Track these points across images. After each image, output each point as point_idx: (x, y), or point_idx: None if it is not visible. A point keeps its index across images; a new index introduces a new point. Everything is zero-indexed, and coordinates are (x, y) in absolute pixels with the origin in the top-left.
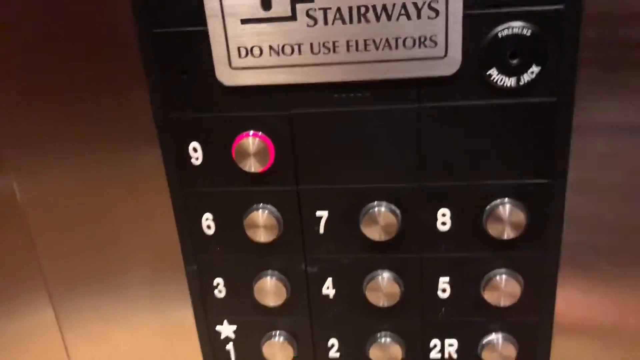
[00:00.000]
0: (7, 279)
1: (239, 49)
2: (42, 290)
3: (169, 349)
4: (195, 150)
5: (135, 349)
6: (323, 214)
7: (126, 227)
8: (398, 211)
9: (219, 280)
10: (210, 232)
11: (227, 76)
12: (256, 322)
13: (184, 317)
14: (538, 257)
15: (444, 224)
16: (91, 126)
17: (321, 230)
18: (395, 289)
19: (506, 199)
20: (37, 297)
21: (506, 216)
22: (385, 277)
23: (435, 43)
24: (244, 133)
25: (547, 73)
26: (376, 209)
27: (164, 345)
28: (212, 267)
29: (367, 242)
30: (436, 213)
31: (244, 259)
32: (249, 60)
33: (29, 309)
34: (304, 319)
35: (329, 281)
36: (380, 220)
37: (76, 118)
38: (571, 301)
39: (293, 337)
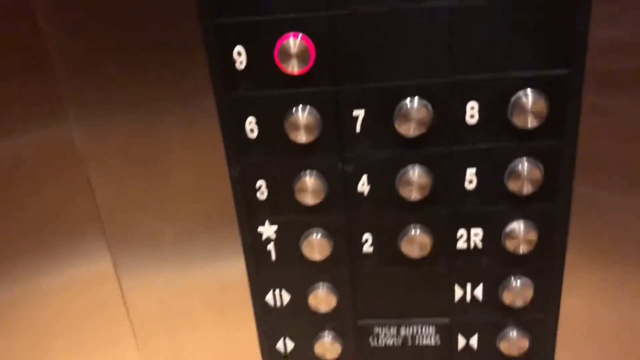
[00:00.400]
0: (66, 226)
1: None
2: (101, 238)
3: (223, 297)
4: (239, 54)
5: (191, 295)
6: (359, 113)
7: (177, 152)
8: (430, 106)
9: (261, 183)
10: (254, 135)
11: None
12: (295, 222)
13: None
14: (558, 146)
15: (472, 116)
16: (139, 42)
17: (357, 129)
18: (426, 182)
19: (529, 90)
20: (95, 245)
21: (529, 105)
22: (416, 170)
23: None
24: (286, 35)
25: None
26: (409, 104)
27: (219, 293)
28: (255, 169)
29: (401, 138)
30: (465, 106)
31: (284, 161)
32: None
33: (86, 257)
34: (340, 216)
35: (364, 178)
36: (413, 115)
37: (125, 40)
38: (588, 187)
39: (330, 234)
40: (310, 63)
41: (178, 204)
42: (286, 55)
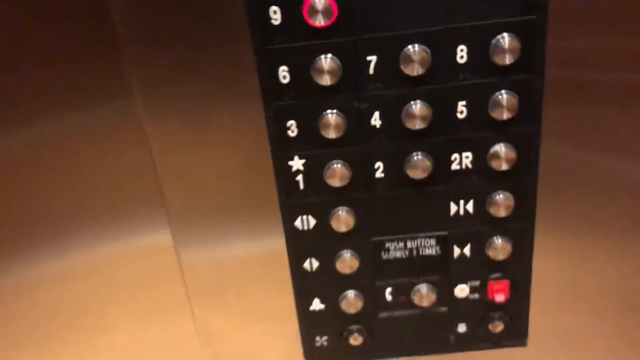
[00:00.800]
0: (128, 197)
1: None
2: (161, 210)
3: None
4: (275, 12)
5: (241, 269)
6: (372, 58)
7: (220, 99)
8: (428, 50)
9: (291, 122)
10: (286, 81)
11: None
12: (320, 155)
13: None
14: (529, 79)
15: (462, 57)
16: (191, 16)
17: (371, 72)
18: (426, 114)
19: (505, 33)
20: (155, 216)
21: (506, 46)
22: (418, 105)
23: None
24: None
25: None
26: (412, 49)
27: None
28: (286, 110)
29: (405, 78)
30: (456, 49)
31: (311, 102)
32: None
33: (147, 229)
34: (356, 148)
35: (376, 114)
36: (415, 58)
37: (177, 15)
38: (557, 111)
39: (348, 164)
40: (333, 18)
41: (220, 149)
42: (313, 11)
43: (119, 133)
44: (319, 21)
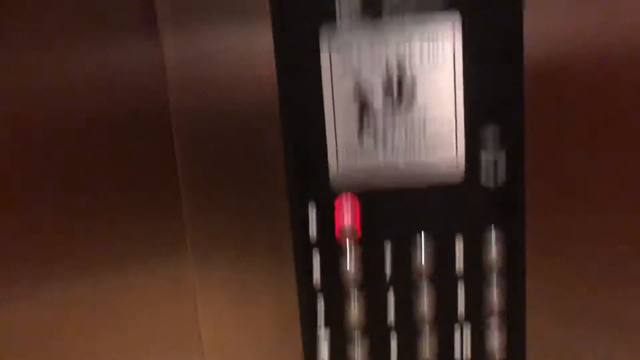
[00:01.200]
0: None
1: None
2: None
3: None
4: (312, 231)
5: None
6: (388, 259)
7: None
8: (432, 248)
9: (320, 303)
10: (318, 274)
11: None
12: (343, 334)
13: None
14: (516, 276)
15: (459, 256)
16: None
17: (387, 269)
18: (432, 299)
19: (493, 237)
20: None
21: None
22: (425, 293)
23: None
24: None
25: None
26: (418, 251)
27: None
28: (316, 295)
29: (414, 270)
30: (454, 250)
31: (338, 293)
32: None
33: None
34: (376, 331)
35: (391, 302)
36: (422, 257)
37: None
38: (537, 104)
39: (369, 344)
40: (358, 237)
41: (258, 321)
42: (342, 233)
43: (171, 295)
44: (347, 240)
